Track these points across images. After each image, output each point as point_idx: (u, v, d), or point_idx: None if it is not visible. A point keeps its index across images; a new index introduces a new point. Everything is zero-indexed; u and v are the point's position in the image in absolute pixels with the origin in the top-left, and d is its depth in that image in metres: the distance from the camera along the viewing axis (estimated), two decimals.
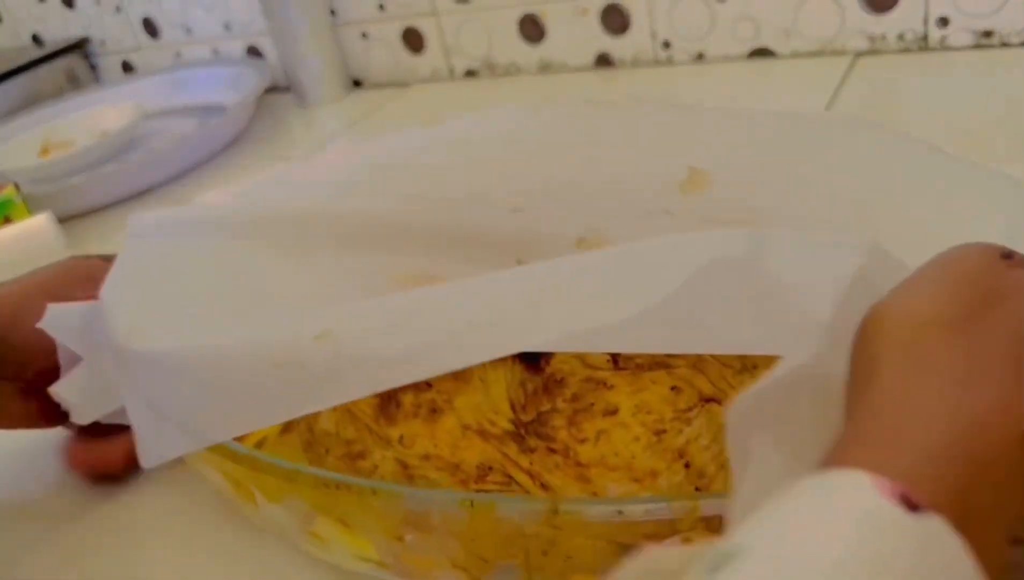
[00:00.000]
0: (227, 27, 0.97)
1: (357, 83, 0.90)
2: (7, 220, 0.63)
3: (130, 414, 0.28)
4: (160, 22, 1.03)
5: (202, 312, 0.31)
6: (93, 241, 0.68)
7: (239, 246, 0.36)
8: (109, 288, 0.32)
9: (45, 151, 0.86)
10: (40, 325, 0.32)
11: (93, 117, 0.88)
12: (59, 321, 0.32)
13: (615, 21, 0.73)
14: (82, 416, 0.32)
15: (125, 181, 0.74)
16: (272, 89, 0.91)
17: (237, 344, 0.27)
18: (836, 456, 0.16)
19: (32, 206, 0.65)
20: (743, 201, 0.35)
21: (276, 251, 0.36)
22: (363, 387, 0.24)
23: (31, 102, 1.01)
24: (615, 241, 0.33)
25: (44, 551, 0.37)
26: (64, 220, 0.67)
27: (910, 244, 0.31)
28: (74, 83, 1.09)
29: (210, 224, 0.37)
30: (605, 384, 0.29)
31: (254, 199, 0.41)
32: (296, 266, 0.36)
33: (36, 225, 0.59)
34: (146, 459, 0.28)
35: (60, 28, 1.13)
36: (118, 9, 1.05)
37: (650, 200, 0.37)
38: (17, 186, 0.65)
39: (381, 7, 0.83)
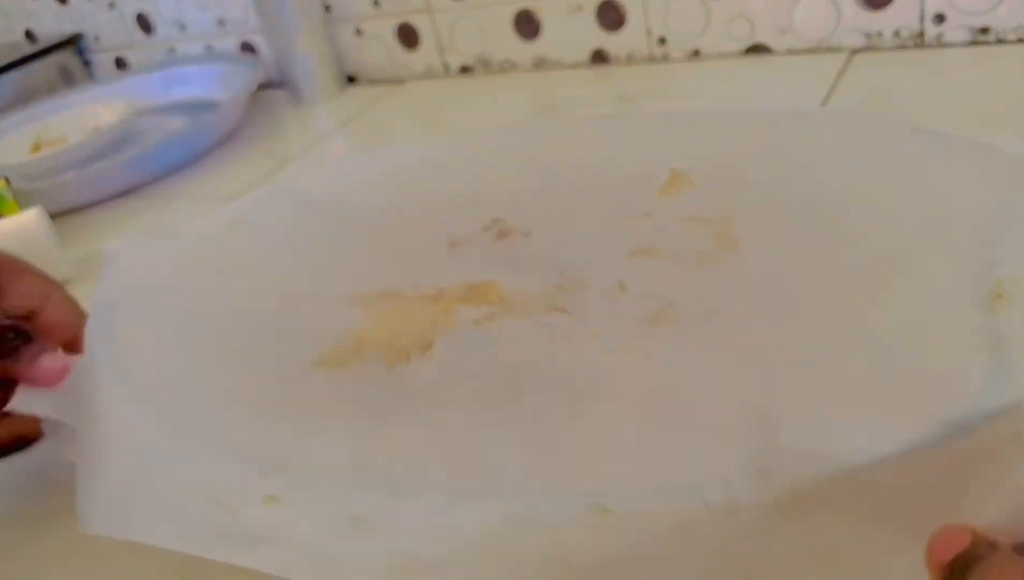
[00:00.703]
0: (221, 23, 0.96)
1: (351, 79, 0.89)
2: None
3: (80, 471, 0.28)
4: (154, 18, 1.02)
5: (175, 385, 0.31)
6: (85, 237, 0.67)
7: (220, 281, 0.37)
8: (89, 339, 0.33)
9: (37, 147, 0.85)
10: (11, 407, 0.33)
11: (85, 114, 0.87)
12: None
13: (610, 18, 0.72)
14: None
15: (117, 177, 0.73)
16: (266, 86, 0.90)
17: (187, 453, 0.27)
18: None
19: (23, 202, 0.65)
20: (724, 199, 0.35)
21: (252, 281, 0.37)
22: (288, 571, 0.23)
23: (24, 98, 1.00)
24: (593, 281, 0.32)
25: (22, 554, 0.37)
26: (56, 216, 0.66)
27: (901, 227, 0.31)
28: (67, 79, 1.08)
29: (192, 256, 0.38)
30: None
31: (238, 225, 0.41)
32: (270, 288, 0.36)
33: (27, 220, 0.58)
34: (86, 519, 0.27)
35: (53, 24, 1.12)
36: (111, 5, 1.04)
37: (631, 205, 0.37)
38: (7, 181, 0.65)
39: (375, 3, 0.83)
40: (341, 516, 0.23)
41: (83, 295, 0.60)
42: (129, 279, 0.37)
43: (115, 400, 0.29)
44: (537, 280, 0.33)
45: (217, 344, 0.33)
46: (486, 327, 0.30)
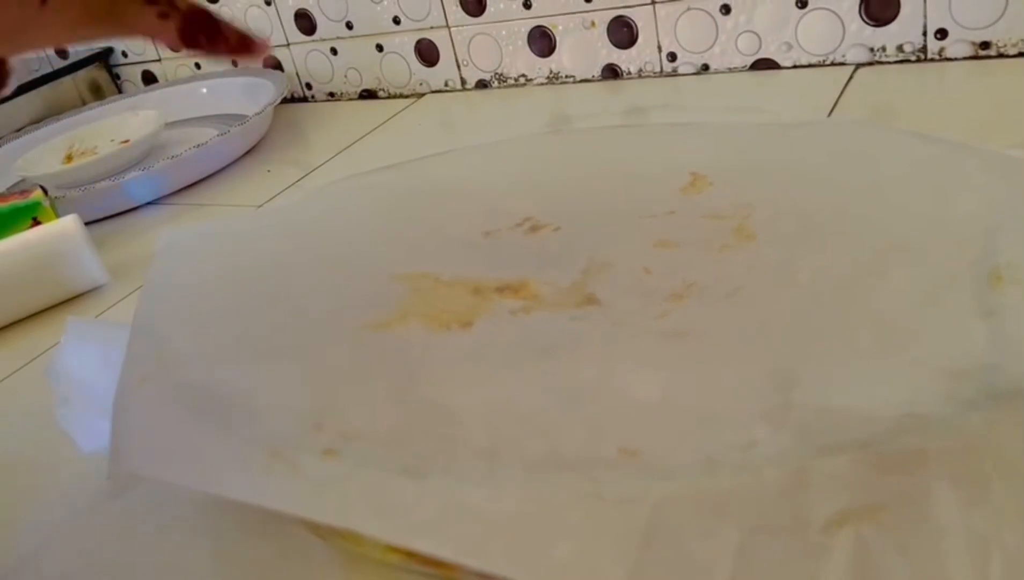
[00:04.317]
0: None
1: (372, 93, 0.92)
2: (35, 222, 0.66)
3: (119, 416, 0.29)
4: None
5: (229, 345, 0.33)
6: (117, 242, 0.70)
7: (273, 260, 0.39)
8: (140, 313, 0.35)
9: (69, 158, 0.88)
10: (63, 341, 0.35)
11: (116, 126, 0.91)
12: (78, 333, 0.35)
13: (622, 34, 0.75)
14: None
15: (147, 187, 0.76)
16: (289, 99, 0.93)
17: (240, 406, 0.29)
18: None
19: (59, 210, 0.68)
20: (742, 198, 0.38)
21: (297, 261, 0.39)
22: (345, 520, 0.25)
23: (54, 112, 1.03)
24: (619, 266, 0.35)
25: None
26: (89, 223, 0.69)
27: (906, 221, 0.33)
28: (97, 93, 1.12)
29: (242, 238, 0.40)
30: None
31: (283, 216, 0.44)
32: (315, 266, 0.38)
33: (64, 227, 0.61)
34: (117, 463, 0.28)
35: None
36: None
37: (655, 203, 0.39)
38: (45, 190, 0.68)
39: (396, 20, 0.86)
40: (394, 467, 0.26)
41: (117, 297, 0.63)
42: (182, 261, 0.39)
43: (164, 359, 0.31)
44: (568, 271, 0.35)
45: (265, 311, 0.35)
46: (522, 317, 0.33)
